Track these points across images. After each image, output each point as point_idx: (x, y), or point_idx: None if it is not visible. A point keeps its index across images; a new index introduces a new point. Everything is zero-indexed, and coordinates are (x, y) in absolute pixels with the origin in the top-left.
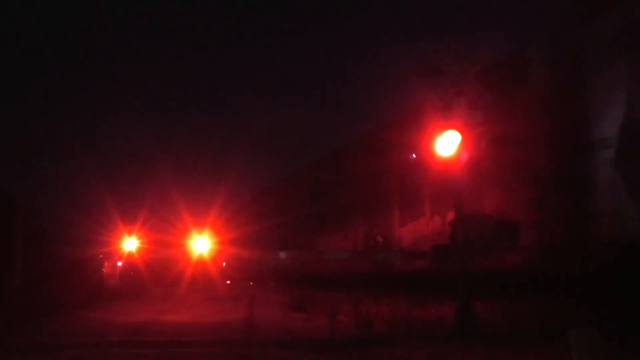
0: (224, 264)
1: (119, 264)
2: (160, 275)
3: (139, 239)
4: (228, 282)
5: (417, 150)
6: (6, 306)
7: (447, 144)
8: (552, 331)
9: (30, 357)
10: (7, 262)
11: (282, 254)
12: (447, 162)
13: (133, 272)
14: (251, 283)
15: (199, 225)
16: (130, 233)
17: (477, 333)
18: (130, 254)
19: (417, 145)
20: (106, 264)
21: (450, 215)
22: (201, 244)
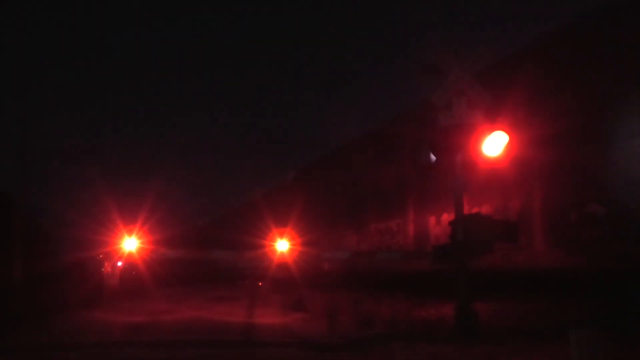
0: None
1: (119, 264)
2: (160, 275)
3: (139, 239)
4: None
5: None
6: (5, 306)
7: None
8: (552, 331)
9: (29, 357)
10: (6, 263)
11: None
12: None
13: (133, 272)
14: (260, 284)
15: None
16: (130, 233)
17: (477, 333)
18: (130, 254)
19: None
20: (106, 264)
21: None
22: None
